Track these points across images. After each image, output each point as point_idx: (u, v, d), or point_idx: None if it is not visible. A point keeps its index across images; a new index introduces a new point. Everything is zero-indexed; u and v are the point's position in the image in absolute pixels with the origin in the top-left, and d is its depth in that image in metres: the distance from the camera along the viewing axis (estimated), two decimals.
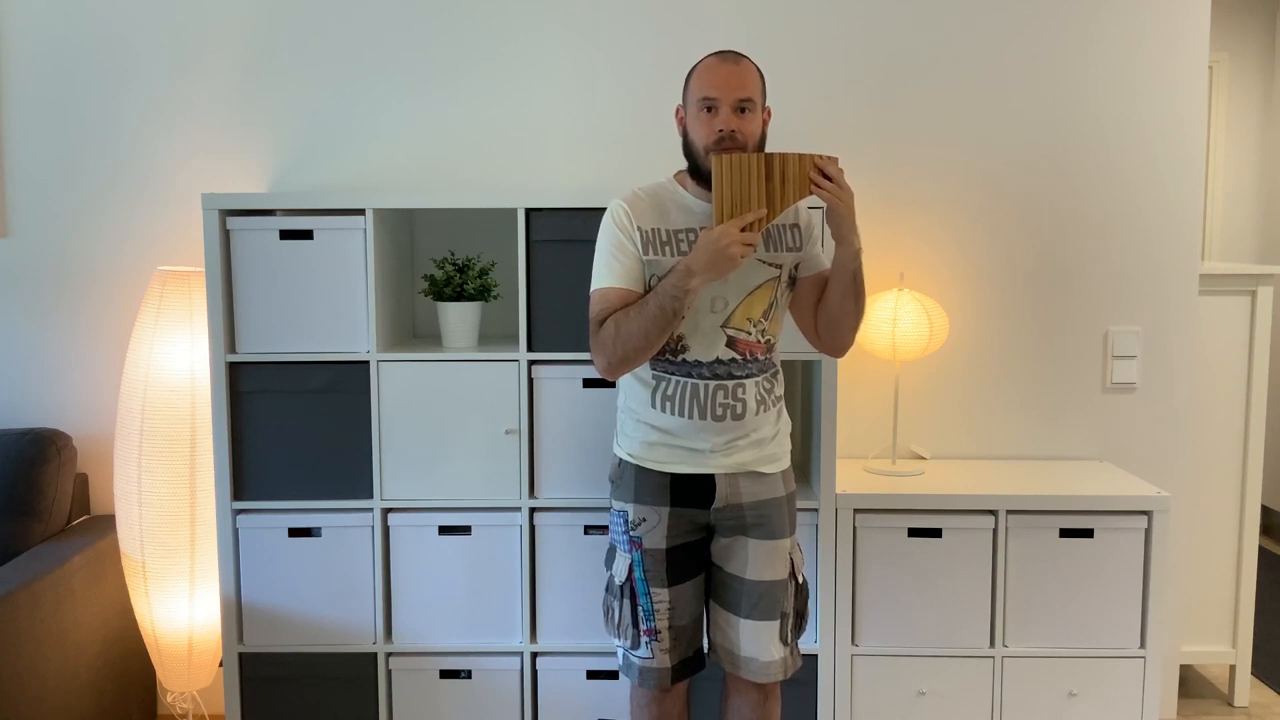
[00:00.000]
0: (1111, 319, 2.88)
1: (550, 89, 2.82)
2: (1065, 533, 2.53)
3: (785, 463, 2.16)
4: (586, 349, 2.44)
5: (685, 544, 2.11)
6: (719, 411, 2.04)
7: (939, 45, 2.81)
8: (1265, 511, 4.62)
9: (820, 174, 1.95)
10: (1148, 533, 2.53)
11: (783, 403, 2.17)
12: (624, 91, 2.82)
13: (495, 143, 2.84)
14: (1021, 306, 2.88)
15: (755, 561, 2.09)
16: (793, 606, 2.14)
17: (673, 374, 2.05)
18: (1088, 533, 2.53)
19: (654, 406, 2.07)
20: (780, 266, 2.07)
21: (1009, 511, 2.53)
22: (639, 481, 2.10)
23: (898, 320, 2.65)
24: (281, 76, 2.82)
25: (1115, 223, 2.86)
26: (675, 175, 2.11)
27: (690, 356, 2.04)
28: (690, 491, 2.08)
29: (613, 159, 2.83)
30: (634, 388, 2.11)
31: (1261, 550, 4.28)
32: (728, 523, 2.10)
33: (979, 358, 2.89)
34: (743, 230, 1.92)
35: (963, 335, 2.88)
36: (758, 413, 2.07)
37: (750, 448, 2.08)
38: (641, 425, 2.09)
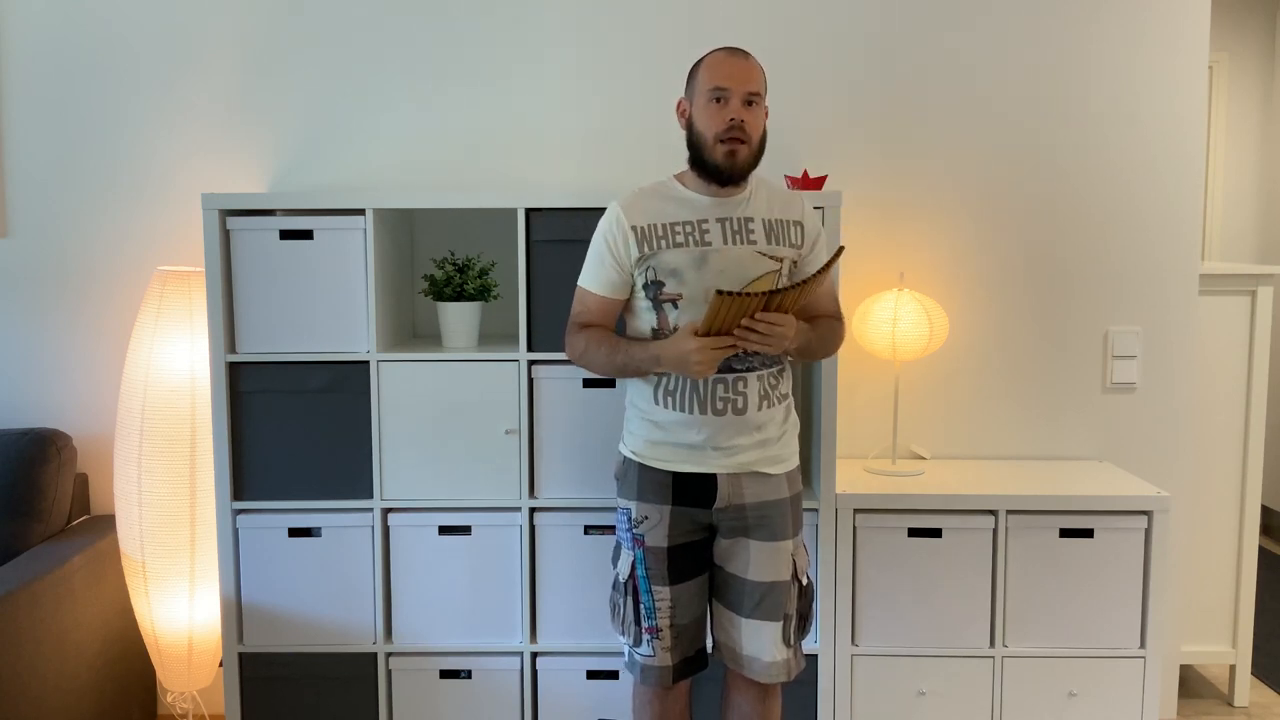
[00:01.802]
0: (1111, 319, 2.88)
1: (550, 89, 2.82)
2: (1065, 533, 2.53)
3: (791, 464, 2.15)
4: None
5: (687, 543, 2.11)
6: (719, 406, 2.04)
7: (939, 45, 2.81)
8: (1265, 511, 4.62)
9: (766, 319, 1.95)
10: (1148, 533, 2.53)
11: (790, 401, 2.17)
12: (624, 92, 2.82)
13: (495, 143, 2.84)
14: (1021, 307, 2.88)
15: (756, 562, 2.09)
16: (796, 608, 2.14)
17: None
18: (1088, 533, 2.53)
19: (656, 402, 2.08)
20: (781, 260, 2.07)
21: (1009, 511, 2.53)
22: (642, 479, 2.10)
23: (898, 320, 2.65)
24: (281, 76, 2.82)
25: (1115, 223, 2.86)
26: (676, 175, 2.12)
27: None
28: (692, 491, 2.08)
29: (612, 159, 2.83)
30: (637, 383, 2.12)
31: (1261, 550, 4.28)
32: (729, 523, 2.10)
33: (979, 358, 2.89)
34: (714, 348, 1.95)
35: (963, 335, 2.88)
36: (760, 408, 2.07)
37: (755, 448, 2.08)
38: (645, 422, 2.10)
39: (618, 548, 2.16)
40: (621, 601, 2.14)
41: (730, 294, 1.88)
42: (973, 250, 2.87)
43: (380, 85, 2.82)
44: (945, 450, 2.92)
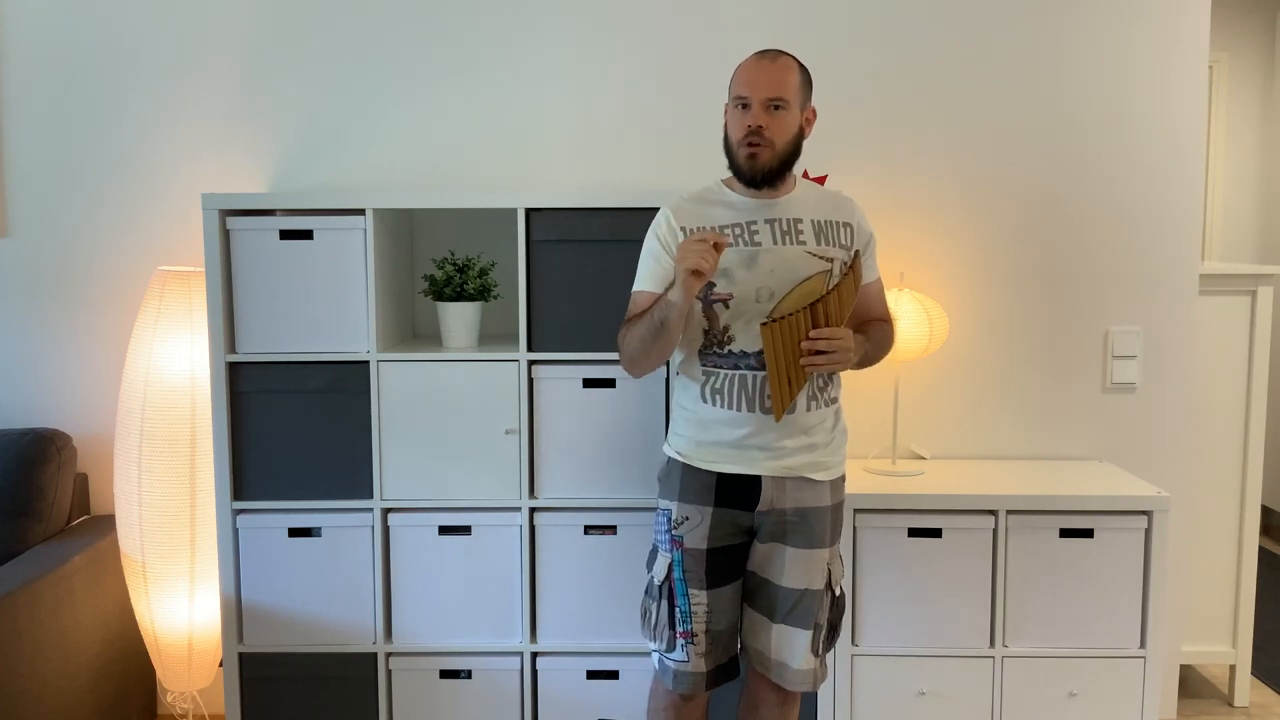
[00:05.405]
0: (1111, 319, 2.88)
1: (550, 88, 2.82)
2: (1065, 533, 2.53)
3: (837, 471, 2.15)
4: (586, 349, 2.48)
5: (726, 547, 2.10)
6: (767, 405, 2.03)
7: (940, 45, 2.81)
8: (1265, 511, 4.62)
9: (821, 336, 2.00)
10: (1148, 533, 2.53)
11: (839, 406, 2.16)
12: (624, 91, 2.82)
13: (495, 143, 2.83)
14: (1021, 307, 2.88)
15: (792, 569, 2.08)
16: (827, 618, 2.13)
17: (721, 367, 2.06)
18: (1088, 533, 2.53)
19: (704, 400, 2.08)
20: (831, 261, 2.07)
21: (1009, 511, 2.53)
22: (685, 480, 2.10)
23: (897, 320, 2.65)
24: (281, 76, 2.82)
25: (1115, 223, 2.85)
26: (724, 180, 2.13)
27: (736, 347, 2.04)
28: (736, 492, 2.07)
29: (613, 159, 2.83)
30: (686, 384, 2.13)
31: (1261, 550, 4.28)
32: (769, 527, 2.09)
33: (979, 358, 2.89)
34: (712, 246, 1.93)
35: (963, 335, 2.88)
36: (809, 409, 2.07)
37: (802, 451, 2.07)
38: (691, 422, 2.10)
39: (654, 552, 2.15)
40: (654, 606, 2.12)
41: (773, 321, 1.95)
42: (973, 250, 2.87)
43: (380, 85, 2.82)
44: (945, 450, 2.91)
